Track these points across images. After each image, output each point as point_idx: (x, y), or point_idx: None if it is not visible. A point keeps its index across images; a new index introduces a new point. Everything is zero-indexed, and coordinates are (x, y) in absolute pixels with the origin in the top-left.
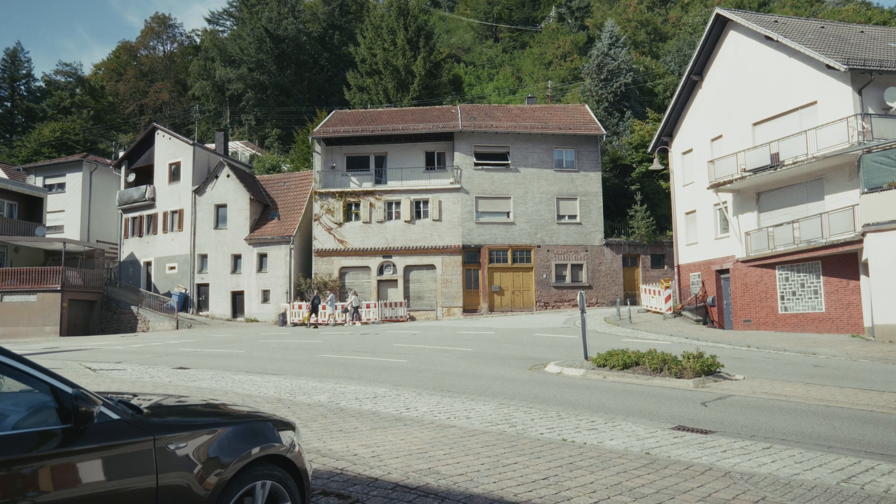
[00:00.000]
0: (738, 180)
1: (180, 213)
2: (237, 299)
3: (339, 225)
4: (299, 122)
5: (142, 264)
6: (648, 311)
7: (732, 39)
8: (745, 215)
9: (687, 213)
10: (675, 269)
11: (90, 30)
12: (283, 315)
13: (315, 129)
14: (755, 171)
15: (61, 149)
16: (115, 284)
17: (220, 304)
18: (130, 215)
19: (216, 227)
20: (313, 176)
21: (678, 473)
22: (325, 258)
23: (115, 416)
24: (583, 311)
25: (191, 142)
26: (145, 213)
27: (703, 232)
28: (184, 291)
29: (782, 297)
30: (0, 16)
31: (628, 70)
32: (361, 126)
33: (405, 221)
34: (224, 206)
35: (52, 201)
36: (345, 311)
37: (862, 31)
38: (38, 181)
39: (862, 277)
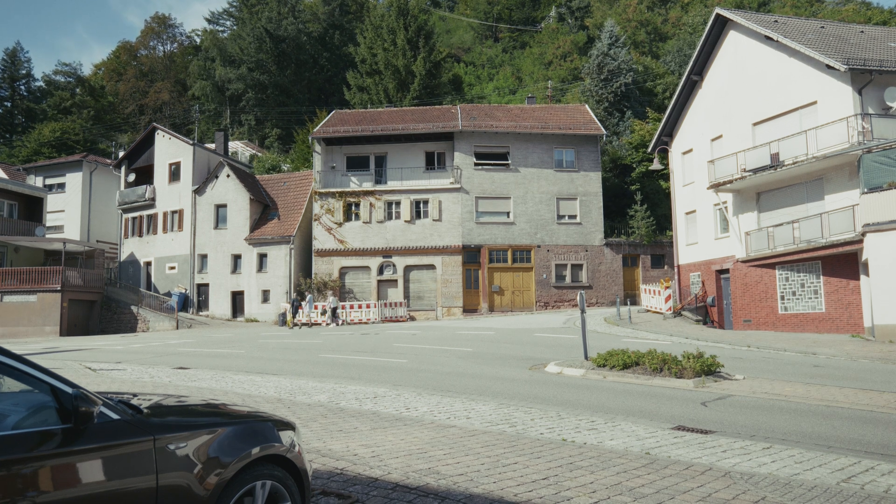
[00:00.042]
0: (738, 180)
1: (180, 213)
2: (237, 299)
3: (339, 225)
4: (299, 122)
5: (142, 264)
6: (648, 311)
7: (732, 39)
8: (745, 215)
9: (687, 213)
10: (675, 269)
11: (90, 30)
12: (283, 315)
13: (315, 129)
14: (755, 171)
15: (61, 149)
16: (115, 284)
17: (220, 304)
18: (130, 215)
19: (216, 227)
20: (313, 176)
21: (678, 473)
22: (325, 258)
23: (115, 416)
24: (583, 311)
25: (191, 142)
26: (145, 213)
27: (703, 232)
28: (184, 291)
29: (782, 297)
30: (0, 16)
31: (628, 70)
32: (361, 126)
33: (405, 221)
34: (224, 206)
35: (52, 201)
36: (323, 312)
37: (862, 31)
38: (38, 181)
39: (862, 277)
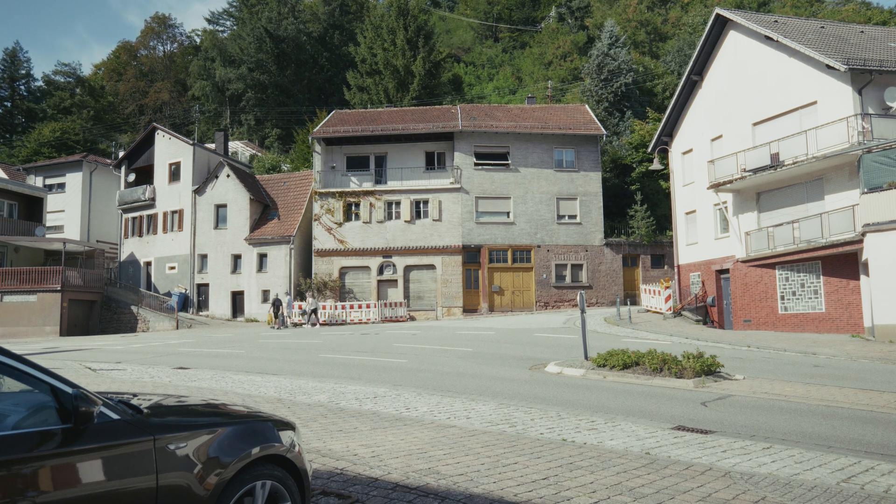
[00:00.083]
0: (738, 180)
1: (180, 213)
2: (237, 299)
3: (339, 225)
4: (299, 122)
5: (142, 264)
6: (648, 311)
7: (732, 39)
8: (745, 215)
9: (687, 213)
10: (675, 269)
11: (90, 30)
12: (283, 316)
13: (315, 129)
14: (755, 171)
15: (61, 149)
16: (115, 284)
17: (220, 304)
18: (130, 215)
19: (216, 227)
20: (313, 176)
21: (678, 473)
22: (325, 258)
23: (115, 416)
24: (583, 311)
25: (191, 142)
26: (145, 213)
27: (703, 232)
28: (184, 291)
29: (782, 297)
30: (0, 16)
31: (628, 70)
32: (361, 126)
33: (405, 221)
34: (224, 206)
35: (52, 201)
36: (303, 312)
37: (862, 31)
38: (38, 181)
39: (862, 277)
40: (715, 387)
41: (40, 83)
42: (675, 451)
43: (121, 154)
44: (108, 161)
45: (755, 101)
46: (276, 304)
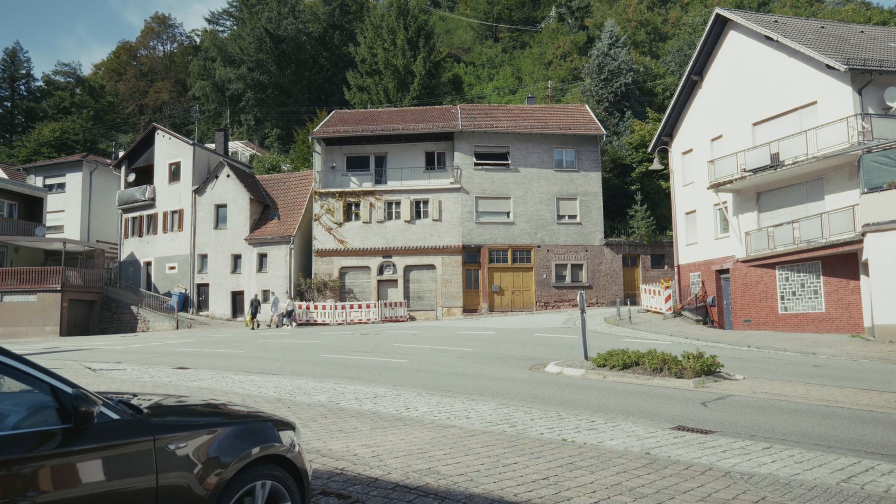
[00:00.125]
0: (738, 180)
1: (180, 213)
2: (237, 299)
3: (339, 225)
4: (299, 122)
5: (142, 264)
6: (648, 311)
7: (732, 39)
8: (745, 215)
9: (687, 213)
10: (675, 269)
11: (90, 30)
12: (282, 315)
13: (315, 129)
14: (755, 171)
15: (61, 149)
16: (115, 284)
17: (220, 304)
18: (130, 215)
19: (216, 227)
20: (313, 176)
21: (678, 473)
22: (325, 258)
23: (115, 416)
24: (583, 311)
25: (191, 142)
26: (145, 213)
27: (703, 232)
28: (184, 291)
29: (782, 297)
30: (0, 16)
31: (628, 70)
32: (361, 126)
33: (405, 221)
34: (224, 206)
35: (52, 201)
36: (281, 314)
37: (862, 31)
38: (38, 181)
39: (862, 277)
40: (715, 387)
41: (40, 83)
42: (675, 451)
43: (121, 154)
44: (108, 161)
45: (755, 101)
46: (255, 305)
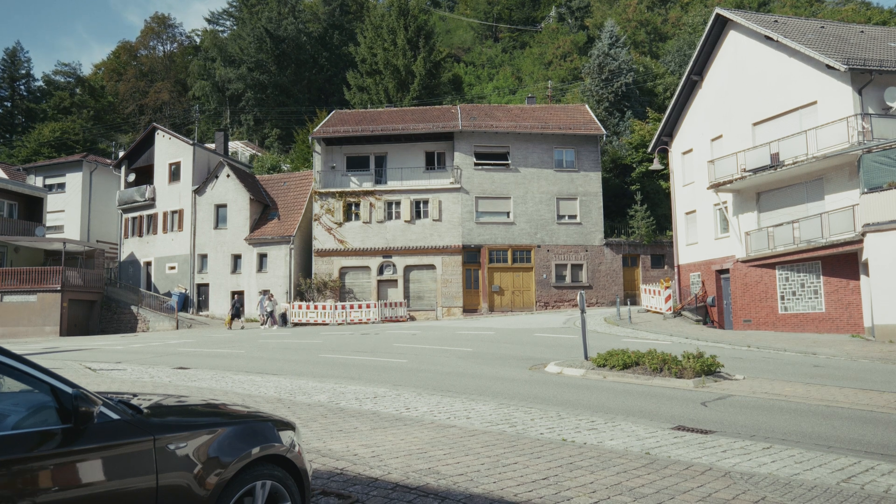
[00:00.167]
0: (738, 180)
1: (180, 213)
2: (237, 299)
3: (339, 225)
4: (299, 122)
5: (142, 264)
6: (648, 311)
7: (732, 39)
8: (745, 215)
9: (687, 213)
10: (675, 269)
11: (90, 29)
12: (284, 315)
13: (315, 129)
14: (755, 171)
15: (61, 149)
16: (115, 284)
17: (220, 304)
18: (130, 215)
19: (216, 227)
20: (313, 176)
21: (678, 473)
22: (325, 258)
23: (115, 416)
24: (583, 311)
25: (191, 142)
26: (145, 213)
27: (703, 232)
28: (184, 291)
29: (782, 297)
30: (0, 16)
31: (628, 70)
32: (361, 126)
33: (405, 221)
34: (224, 206)
35: (52, 201)
36: (262, 314)
37: (862, 31)
38: (38, 181)
39: (862, 277)
40: (715, 387)
41: (40, 83)
42: (675, 451)
43: (121, 154)
44: (108, 161)
45: (755, 101)
46: (236, 306)
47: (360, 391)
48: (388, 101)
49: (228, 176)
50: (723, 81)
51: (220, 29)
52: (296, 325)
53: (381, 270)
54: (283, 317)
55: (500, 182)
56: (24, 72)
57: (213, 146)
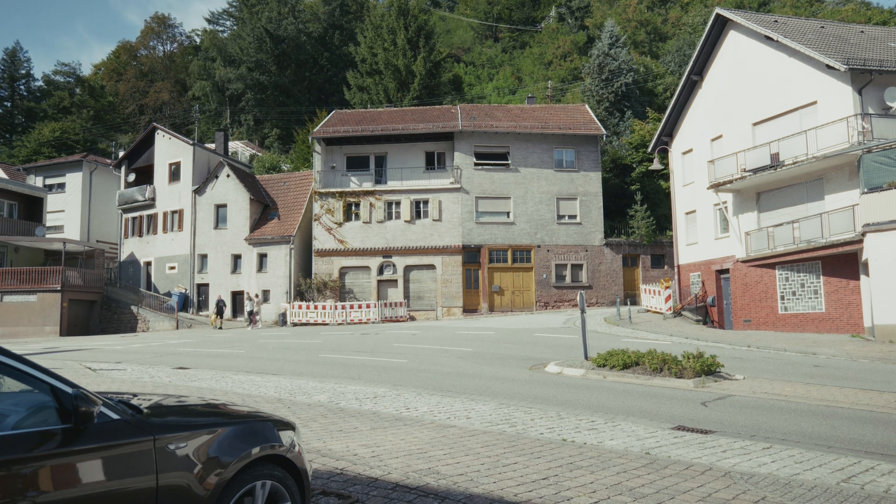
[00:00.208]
0: (738, 180)
1: (180, 213)
2: (237, 299)
3: (339, 225)
4: (299, 122)
5: (142, 264)
6: (648, 311)
7: (732, 39)
8: (745, 215)
9: (687, 213)
10: (675, 269)
11: (90, 29)
12: (284, 315)
13: (315, 129)
14: (755, 171)
15: (61, 149)
16: (115, 284)
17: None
18: (130, 215)
19: (216, 227)
20: (313, 176)
21: (678, 473)
22: (325, 258)
23: (115, 416)
24: (583, 311)
25: (191, 142)
26: (145, 213)
27: (703, 232)
28: (184, 291)
29: (782, 297)
30: (0, 16)
31: (628, 70)
32: (361, 126)
33: (405, 221)
34: (224, 206)
35: (52, 201)
36: (249, 312)
37: (862, 31)
38: (38, 181)
39: (862, 277)
40: (715, 387)
41: (40, 83)
42: (675, 451)
43: (121, 154)
44: (108, 161)
45: (755, 101)
46: (220, 306)
47: (360, 391)
48: (388, 101)
49: (228, 176)
50: (723, 81)
51: (220, 29)
52: (296, 325)
53: (381, 270)
54: (283, 317)
55: (500, 182)
56: (23, 72)
57: (213, 146)
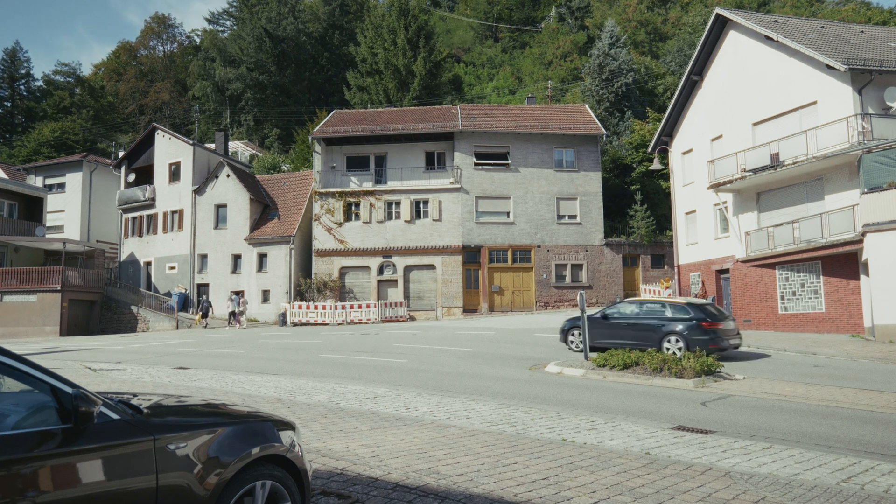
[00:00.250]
0: (738, 180)
1: (180, 213)
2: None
3: (339, 225)
4: (299, 122)
5: (142, 264)
6: None
7: (732, 39)
8: (745, 215)
9: (687, 213)
10: (675, 269)
11: (90, 29)
12: (283, 315)
13: (315, 129)
14: (755, 171)
15: (61, 149)
16: (115, 284)
17: (220, 304)
18: (130, 215)
19: (216, 227)
20: (313, 176)
21: (678, 473)
22: (325, 258)
23: (115, 416)
24: (583, 311)
25: (191, 142)
26: (145, 213)
27: (703, 232)
28: (184, 291)
29: (782, 297)
30: (0, 16)
31: (629, 70)
32: (361, 126)
33: (405, 221)
34: (224, 206)
35: (52, 201)
36: (231, 312)
37: (862, 31)
38: (38, 181)
39: (862, 277)
40: (715, 387)
41: (40, 83)
42: (675, 451)
43: (121, 154)
44: (108, 161)
45: (755, 101)
46: (204, 305)
47: (360, 391)
48: (388, 101)
49: (228, 176)
50: (723, 81)
51: (220, 29)
52: (296, 324)
53: (381, 270)
54: (283, 317)
55: (500, 182)
56: (23, 72)
57: (213, 146)
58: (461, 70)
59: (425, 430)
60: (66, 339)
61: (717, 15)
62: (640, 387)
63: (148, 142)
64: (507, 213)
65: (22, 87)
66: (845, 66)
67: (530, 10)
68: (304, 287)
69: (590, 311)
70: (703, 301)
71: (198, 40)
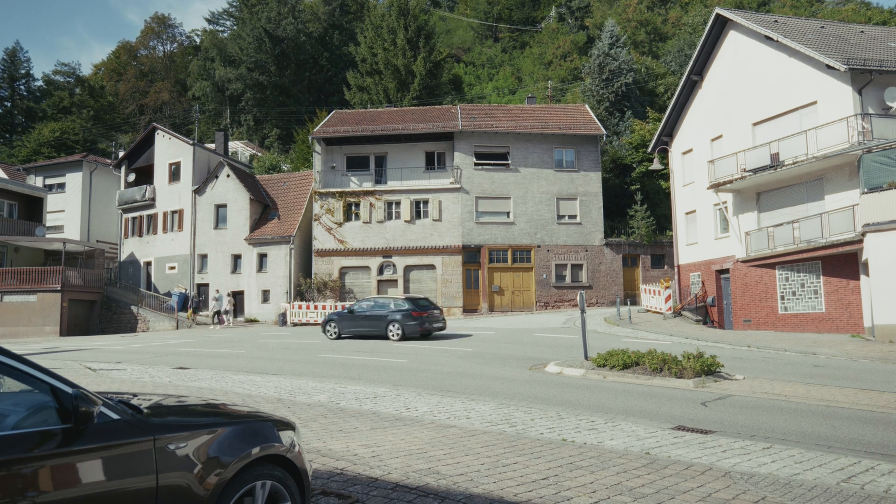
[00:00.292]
0: (738, 180)
1: (180, 213)
2: (237, 299)
3: (339, 225)
4: (299, 122)
5: (142, 264)
6: (648, 311)
7: (732, 39)
8: (745, 215)
9: (687, 213)
10: (675, 269)
11: (90, 29)
12: (283, 315)
13: (315, 129)
14: (755, 171)
15: (61, 149)
16: (115, 284)
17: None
18: (130, 215)
19: (216, 227)
20: (313, 176)
21: (678, 473)
22: (325, 258)
23: (115, 416)
24: (583, 311)
25: (191, 142)
26: (145, 213)
27: (703, 232)
28: (184, 291)
29: (782, 297)
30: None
31: (629, 70)
32: (361, 126)
33: (405, 221)
34: (224, 206)
35: (52, 201)
36: (216, 311)
37: (862, 31)
38: (38, 181)
39: (862, 277)
40: (715, 387)
41: (40, 83)
42: (675, 451)
43: (121, 154)
44: (108, 161)
45: (755, 101)
46: (195, 302)
47: (360, 391)
48: (388, 101)
49: (228, 176)
50: (723, 81)
51: (220, 29)
52: (296, 324)
53: (381, 270)
54: (283, 317)
55: (500, 182)
56: (23, 72)
57: (213, 146)
58: (461, 70)
59: (425, 430)
60: (66, 339)
61: (717, 15)
62: (640, 387)
63: (148, 142)
64: (507, 213)
65: (22, 87)
66: (845, 66)
67: (530, 10)
68: (304, 287)
69: (590, 310)
70: (418, 297)
71: (198, 40)
